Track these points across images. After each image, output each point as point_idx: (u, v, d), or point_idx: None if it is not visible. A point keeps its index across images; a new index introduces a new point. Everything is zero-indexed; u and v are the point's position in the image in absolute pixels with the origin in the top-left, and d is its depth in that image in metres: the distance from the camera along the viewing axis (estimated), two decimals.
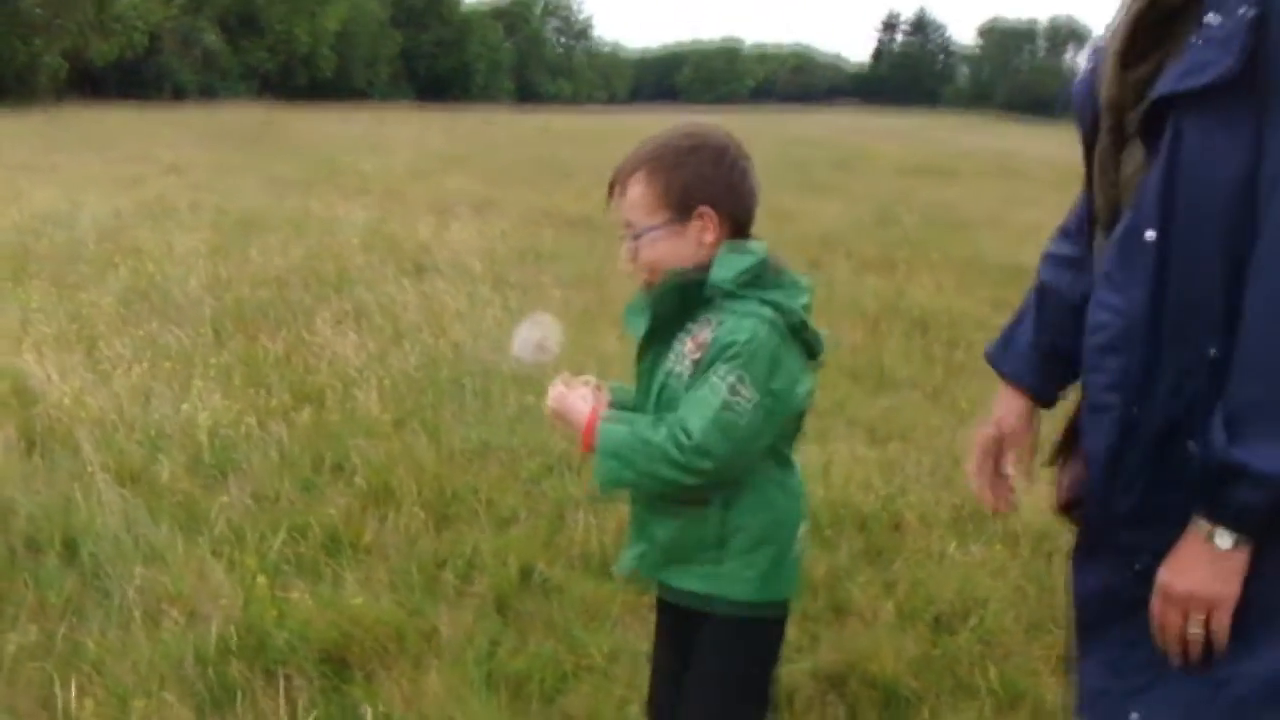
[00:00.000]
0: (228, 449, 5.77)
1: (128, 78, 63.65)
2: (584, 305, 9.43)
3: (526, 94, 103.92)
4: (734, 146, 2.68)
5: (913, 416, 7.25)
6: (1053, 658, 4.35)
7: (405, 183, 20.02)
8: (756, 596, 2.65)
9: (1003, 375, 2.60)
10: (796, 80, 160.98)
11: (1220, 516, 1.96)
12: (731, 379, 2.45)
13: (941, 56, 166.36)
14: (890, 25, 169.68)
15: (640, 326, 2.68)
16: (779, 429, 2.60)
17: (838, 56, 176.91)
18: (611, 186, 2.71)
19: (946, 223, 17.67)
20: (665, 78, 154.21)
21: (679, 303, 2.62)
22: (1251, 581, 1.99)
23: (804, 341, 2.61)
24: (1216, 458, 1.92)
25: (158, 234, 12.40)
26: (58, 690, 3.60)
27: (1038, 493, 5.72)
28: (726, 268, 2.55)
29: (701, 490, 2.55)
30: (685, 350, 2.58)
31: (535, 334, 2.79)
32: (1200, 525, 1.98)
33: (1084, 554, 2.27)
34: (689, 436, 2.44)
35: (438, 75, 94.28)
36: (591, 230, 14.33)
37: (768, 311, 2.52)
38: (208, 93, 67.63)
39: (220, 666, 3.83)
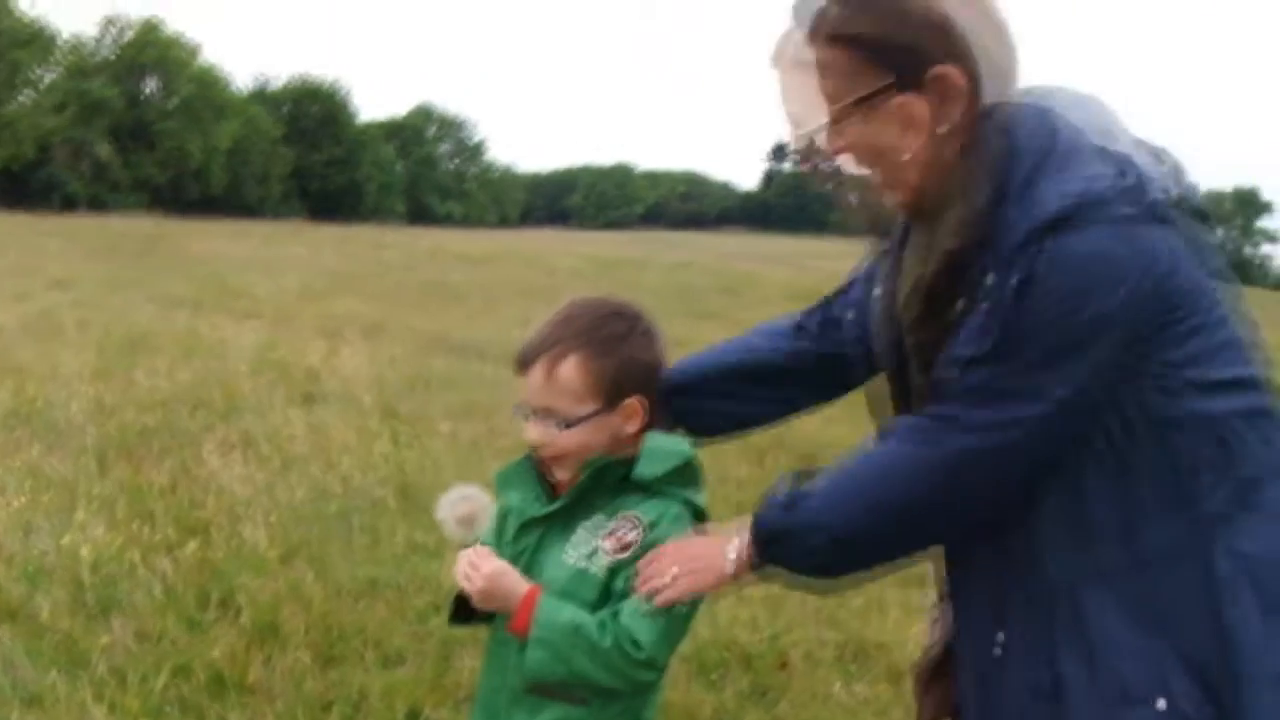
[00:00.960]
0: (110, 585, 5.66)
1: (14, 187, 62.97)
2: (472, 437, 9.45)
3: (418, 214, 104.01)
4: (654, 327, 2.62)
5: None
6: None
7: (295, 304, 19.92)
8: None
9: None
10: (687, 205, 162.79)
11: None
12: None
13: (829, 185, 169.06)
14: (779, 153, 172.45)
15: (518, 499, 2.60)
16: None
17: (727, 183, 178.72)
18: (527, 361, 2.53)
19: None
20: (557, 200, 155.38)
21: (590, 492, 2.51)
22: None
23: None
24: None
25: (42, 354, 12.19)
26: None
27: (923, 628, 5.84)
28: (656, 463, 2.48)
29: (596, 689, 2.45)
30: (604, 547, 2.46)
31: (463, 508, 2.65)
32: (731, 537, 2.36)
33: None
34: (639, 649, 2.33)
35: (329, 193, 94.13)
36: (480, 357, 14.35)
37: (688, 515, 2.49)
38: (98, 204, 67.00)
39: None
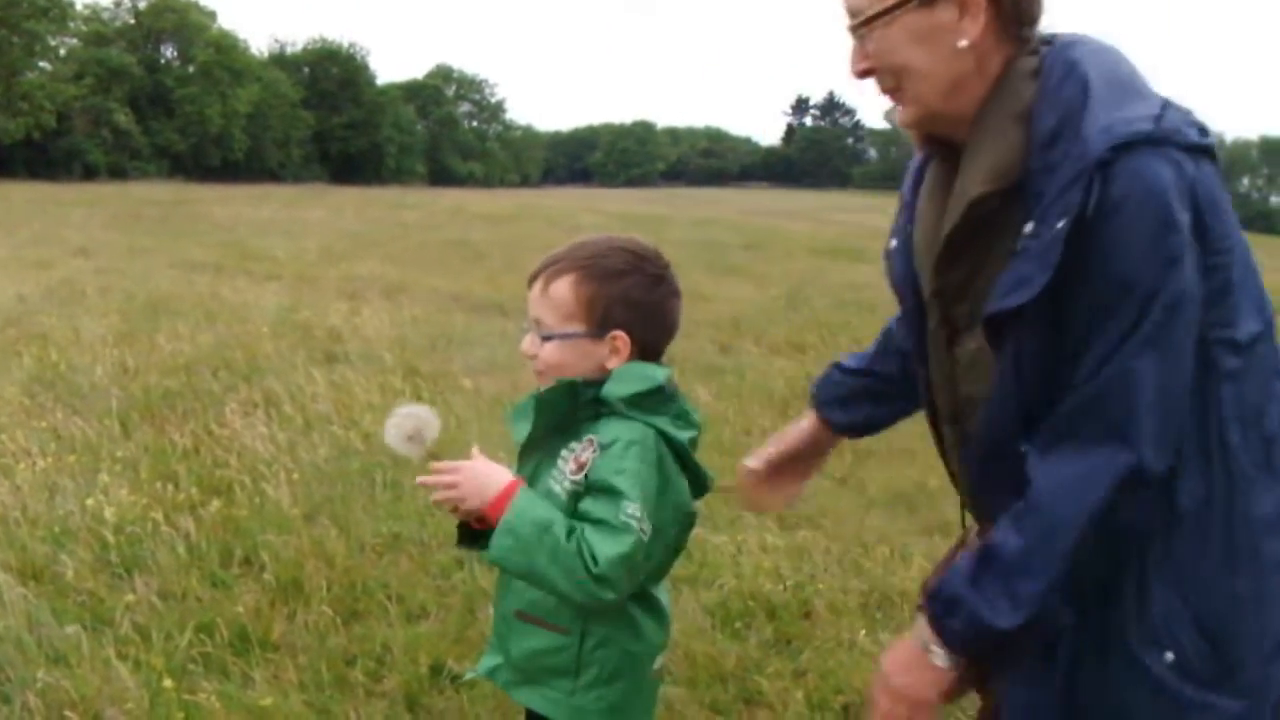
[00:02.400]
0: (134, 544, 5.68)
1: (36, 156, 63.27)
2: (495, 393, 9.43)
3: (439, 175, 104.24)
4: (669, 278, 2.62)
5: (821, 503, 7.30)
6: None
7: (317, 267, 19.95)
8: None
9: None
10: (708, 162, 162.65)
11: (939, 634, 2.12)
12: (637, 513, 2.36)
13: (851, 139, 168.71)
14: (800, 107, 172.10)
15: (521, 432, 2.60)
16: (657, 562, 2.54)
17: (749, 138, 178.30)
18: (535, 275, 2.59)
19: (856, 304, 17.84)
20: (577, 159, 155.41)
21: (563, 410, 2.53)
22: None
23: (690, 474, 2.57)
24: (953, 586, 2.09)
25: (64, 320, 12.22)
26: None
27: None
28: (623, 384, 2.49)
29: (571, 613, 2.50)
30: (567, 470, 2.49)
31: (408, 424, 2.67)
32: (922, 631, 2.15)
33: None
34: (595, 563, 2.32)
35: (350, 156, 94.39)
36: (502, 315, 14.37)
37: (651, 437, 2.46)
38: (118, 172, 67.27)
39: None
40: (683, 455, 2.53)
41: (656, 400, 2.51)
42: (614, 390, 2.48)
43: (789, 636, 5.24)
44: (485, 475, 2.48)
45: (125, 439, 7.56)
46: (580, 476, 2.44)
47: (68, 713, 4.07)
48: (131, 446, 7.35)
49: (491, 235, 28.87)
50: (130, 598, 5.04)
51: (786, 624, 5.35)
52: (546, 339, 2.56)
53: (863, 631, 5.23)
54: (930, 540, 6.74)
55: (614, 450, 2.43)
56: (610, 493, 2.38)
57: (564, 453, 2.53)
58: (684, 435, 2.53)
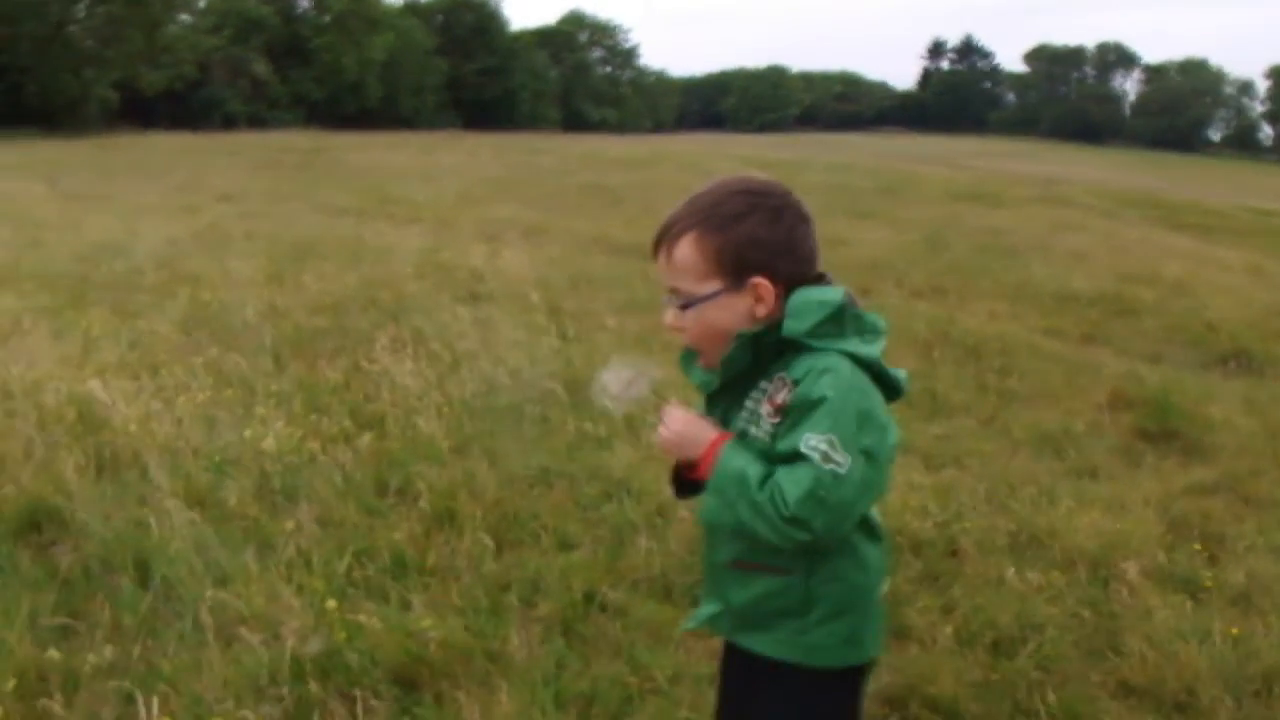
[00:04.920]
0: (292, 474, 5.83)
1: (177, 107, 64.31)
2: (638, 331, 9.48)
3: (572, 122, 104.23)
4: (792, 205, 2.51)
5: (967, 444, 7.27)
6: (1111, 683, 4.39)
7: (455, 210, 20.13)
8: (839, 663, 2.57)
9: None
10: (842, 106, 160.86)
11: None
12: (823, 446, 2.30)
13: (988, 83, 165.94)
14: (936, 51, 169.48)
15: (700, 375, 2.59)
16: (879, 489, 2.45)
17: (884, 83, 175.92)
18: (657, 244, 2.54)
19: (996, 249, 17.64)
20: (710, 105, 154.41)
21: (748, 362, 2.46)
22: None
23: (885, 387, 2.47)
24: None
25: (213, 262, 12.51)
26: (140, 706, 3.67)
27: (1094, 518, 5.78)
28: (803, 318, 2.40)
29: (791, 553, 2.44)
30: (762, 413, 2.44)
31: (625, 375, 2.67)
32: None
33: None
34: (786, 506, 2.30)
35: (483, 103, 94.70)
36: (642, 257, 14.30)
37: (846, 365, 2.38)
38: (257, 121, 68.22)
39: (296, 686, 3.91)
40: (875, 369, 2.45)
41: (840, 322, 2.43)
42: (796, 326, 2.40)
43: (936, 573, 5.24)
44: (692, 433, 2.51)
45: (278, 374, 7.74)
46: (779, 418, 2.41)
47: (237, 628, 4.21)
48: (285, 381, 7.52)
49: (627, 180, 28.84)
50: (290, 524, 5.18)
51: (934, 561, 5.36)
52: (686, 306, 2.49)
53: (1011, 570, 5.20)
54: (1078, 483, 6.68)
55: (804, 385, 2.37)
56: (800, 428, 2.34)
57: (753, 394, 2.49)
58: (874, 350, 2.45)
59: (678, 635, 4.39)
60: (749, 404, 2.50)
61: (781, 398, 2.40)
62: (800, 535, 2.32)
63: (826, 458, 2.30)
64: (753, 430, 2.47)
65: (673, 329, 2.56)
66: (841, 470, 2.30)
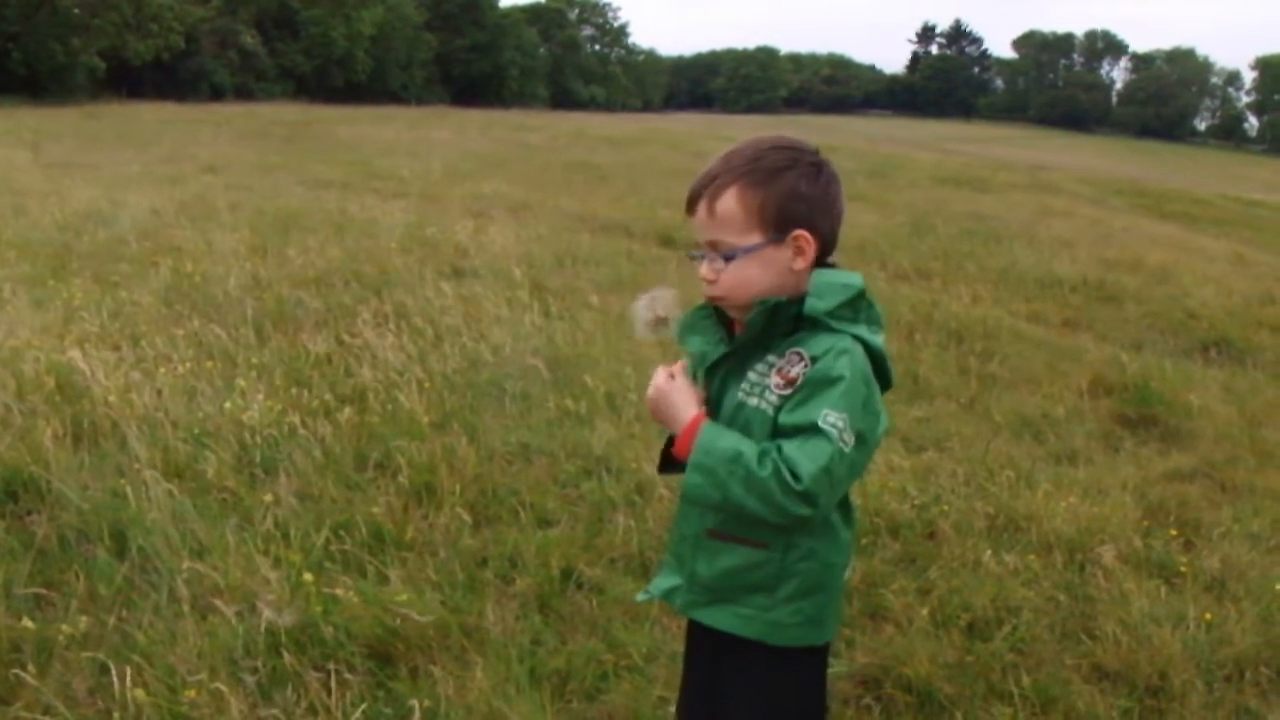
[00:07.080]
0: (272, 447, 5.81)
1: (164, 77, 64.12)
2: (621, 310, 9.45)
3: (560, 99, 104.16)
4: (828, 163, 2.55)
5: (947, 426, 7.29)
6: (1085, 666, 4.41)
7: (441, 186, 20.07)
8: (798, 642, 2.59)
9: None
10: (831, 89, 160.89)
11: None
12: (840, 424, 2.34)
13: (977, 68, 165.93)
14: (926, 35, 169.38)
15: (700, 344, 2.60)
16: (860, 473, 2.50)
17: (873, 66, 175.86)
18: (693, 200, 2.53)
19: (981, 234, 17.67)
20: (699, 85, 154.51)
21: (762, 330, 2.48)
22: None
23: (880, 378, 2.49)
24: None
25: (197, 233, 12.43)
26: (114, 677, 3.67)
27: (1072, 503, 5.80)
28: (826, 297, 2.43)
29: (772, 527, 2.46)
30: (771, 383, 2.46)
31: (660, 305, 2.67)
32: None
33: None
34: (797, 480, 2.32)
35: (472, 79, 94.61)
36: (627, 236, 14.37)
37: (859, 350, 2.41)
38: (244, 93, 68.08)
39: (270, 659, 3.91)
40: (877, 359, 2.48)
41: (856, 307, 2.47)
42: (819, 305, 2.43)
43: (914, 555, 5.26)
44: (674, 406, 2.54)
45: (260, 346, 7.70)
46: (788, 391, 2.42)
47: (213, 599, 4.20)
48: (267, 354, 7.49)
49: (614, 158, 28.83)
50: (269, 497, 5.16)
51: (911, 543, 5.37)
52: (729, 258, 2.49)
53: (988, 552, 5.22)
54: (1057, 467, 6.71)
55: (824, 362, 2.39)
56: (816, 403, 2.36)
57: (759, 366, 2.51)
58: (879, 339, 2.49)
59: (653, 614, 4.40)
60: (752, 375, 2.51)
61: (796, 371, 2.42)
62: (803, 510, 2.34)
63: (841, 436, 2.34)
64: (753, 401, 2.49)
65: (707, 279, 2.55)
66: (847, 450, 2.35)
